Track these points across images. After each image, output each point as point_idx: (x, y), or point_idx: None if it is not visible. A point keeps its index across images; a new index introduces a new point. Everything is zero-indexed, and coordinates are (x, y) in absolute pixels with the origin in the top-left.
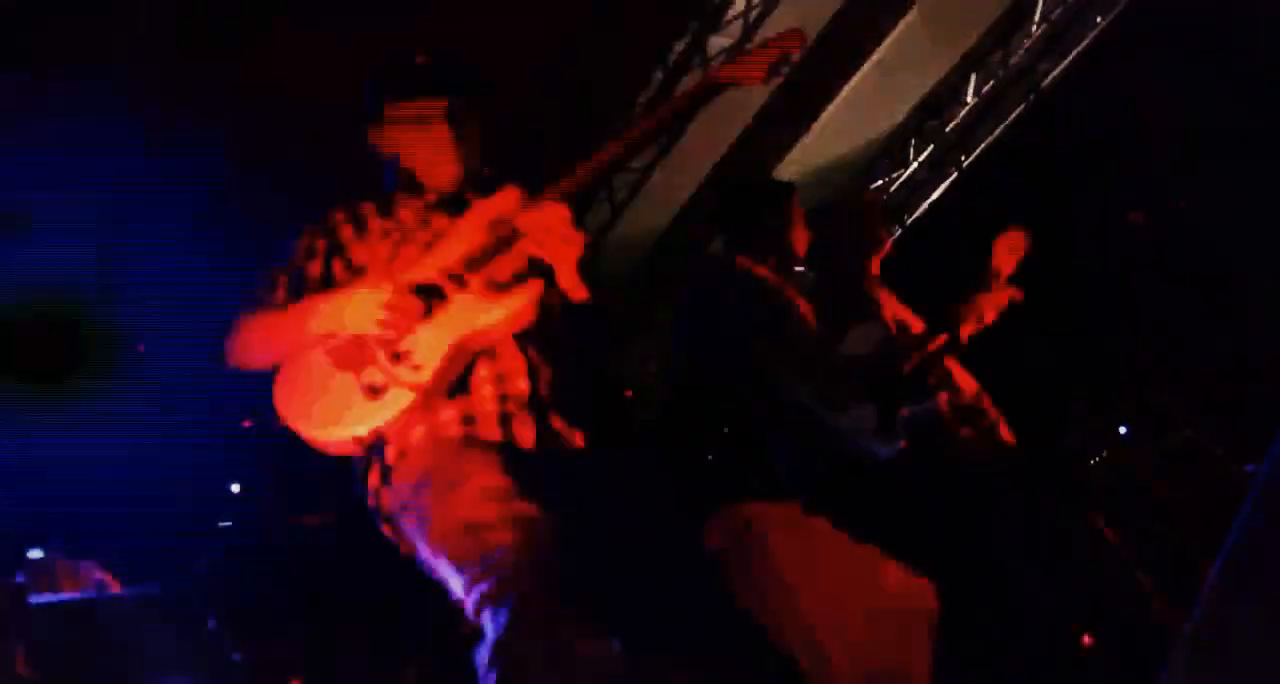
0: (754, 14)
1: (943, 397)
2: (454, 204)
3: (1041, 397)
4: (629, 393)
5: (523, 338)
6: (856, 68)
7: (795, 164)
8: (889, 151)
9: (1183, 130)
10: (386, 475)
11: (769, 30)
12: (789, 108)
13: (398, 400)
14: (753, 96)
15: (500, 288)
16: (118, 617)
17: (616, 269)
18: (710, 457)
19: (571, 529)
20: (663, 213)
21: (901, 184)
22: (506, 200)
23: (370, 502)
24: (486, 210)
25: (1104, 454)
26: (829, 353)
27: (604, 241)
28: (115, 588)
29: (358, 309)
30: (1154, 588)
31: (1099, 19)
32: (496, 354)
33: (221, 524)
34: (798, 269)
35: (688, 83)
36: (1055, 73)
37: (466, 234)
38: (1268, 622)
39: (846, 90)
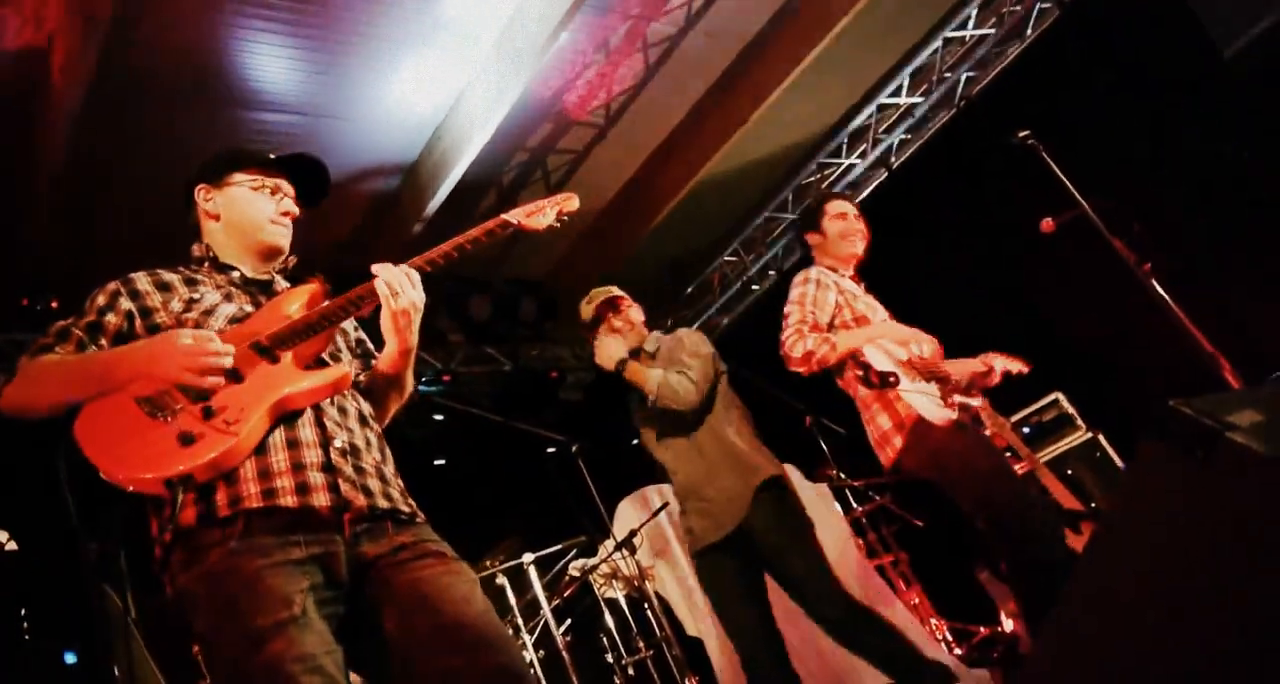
0: (696, 4)
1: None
2: (261, 287)
3: None
4: (554, 374)
5: (319, 409)
6: (792, 67)
7: (729, 159)
8: (821, 152)
9: (1102, 141)
10: (180, 536)
11: (714, 18)
12: (724, 102)
13: (212, 447)
14: (690, 85)
15: (309, 367)
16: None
17: (551, 249)
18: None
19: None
20: (600, 195)
21: (831, 184)
22: (313, 290)
23: (158, 552)
24: (296, 296)
25: (1006, 453)
26: None
27: None
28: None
29: (170, 354)
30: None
31: (1029, 32)
32: (293, 424)
33: None
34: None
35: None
36: (986, 81)
37: (277, 313)
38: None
39: (779, 90)
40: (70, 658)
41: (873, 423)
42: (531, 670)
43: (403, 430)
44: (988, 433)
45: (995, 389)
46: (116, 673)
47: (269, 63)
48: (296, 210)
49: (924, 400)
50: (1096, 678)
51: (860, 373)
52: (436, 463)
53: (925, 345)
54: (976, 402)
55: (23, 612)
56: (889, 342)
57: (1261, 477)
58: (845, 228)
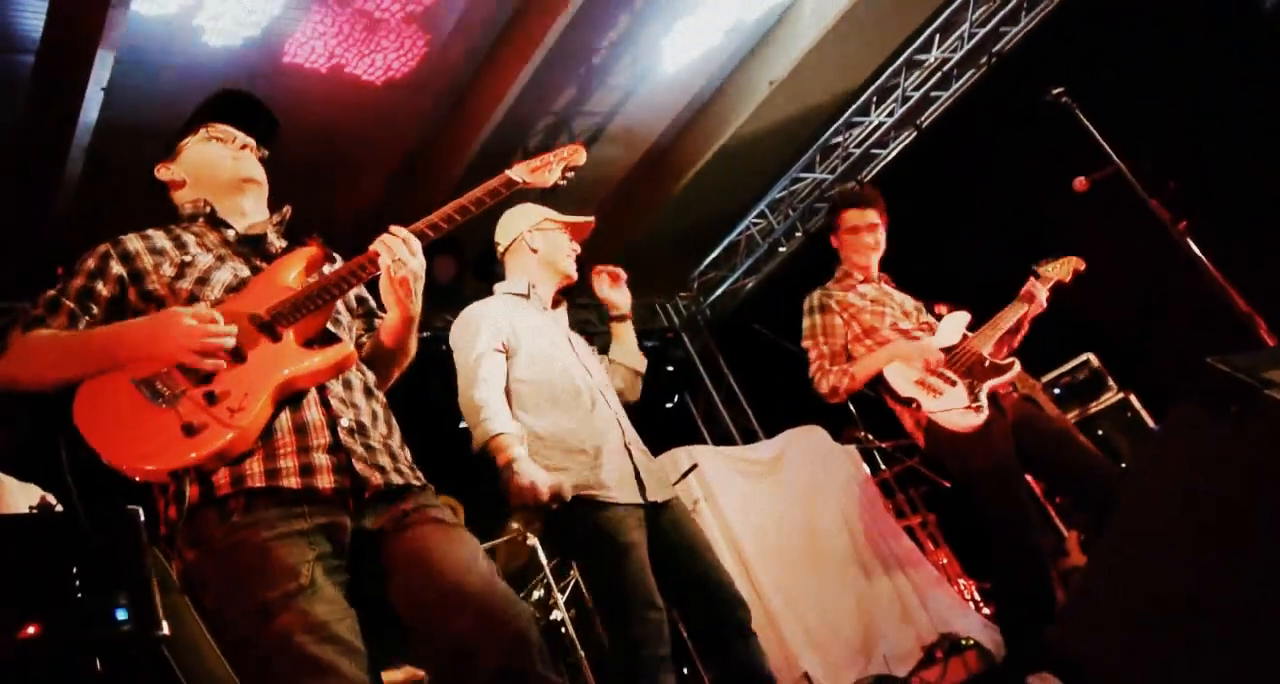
0: None
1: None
2: (254, 244)
3: None
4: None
5: (323, 388)
6: (817, 28)
7: (755, 120)
8: (849, 109)
9: (1137, 96)
10: (183, 513)
11: None
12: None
13: (217, 437)
14: (719, 44)
15: (311, 343)
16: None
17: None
18: None
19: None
20: (628, 156)
21: (859, 142)
22: (311, 255)
23: (163, 529)
24: (293, 263)
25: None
26: None
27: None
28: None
29: (172, 334)
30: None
31: None
32: (299, 405)
33: None
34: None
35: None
36: (1017, 37)
37: (275, 283)
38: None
39: (805, 50)
40: (121, 614)
41: (900, 420)
42: (563, 629)
43: (432, 396)
44: (1009, 419)
45: (1028, 348)
46: (166, 629)
47: None
48: (253, 143)
49: (950, 416)
50: (1120, 648)
51: (887, 395)
52: (463, 426)
53: (947, 332)
54: (1010, 373)
55: (74, 569)
56: (901, 363)
57: None
58: (856, 243)
